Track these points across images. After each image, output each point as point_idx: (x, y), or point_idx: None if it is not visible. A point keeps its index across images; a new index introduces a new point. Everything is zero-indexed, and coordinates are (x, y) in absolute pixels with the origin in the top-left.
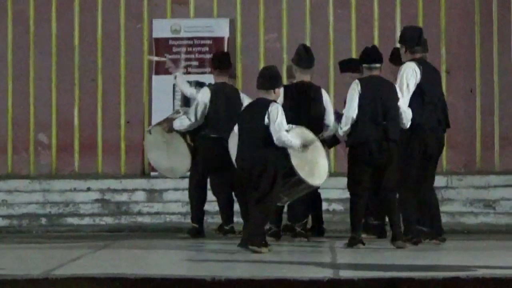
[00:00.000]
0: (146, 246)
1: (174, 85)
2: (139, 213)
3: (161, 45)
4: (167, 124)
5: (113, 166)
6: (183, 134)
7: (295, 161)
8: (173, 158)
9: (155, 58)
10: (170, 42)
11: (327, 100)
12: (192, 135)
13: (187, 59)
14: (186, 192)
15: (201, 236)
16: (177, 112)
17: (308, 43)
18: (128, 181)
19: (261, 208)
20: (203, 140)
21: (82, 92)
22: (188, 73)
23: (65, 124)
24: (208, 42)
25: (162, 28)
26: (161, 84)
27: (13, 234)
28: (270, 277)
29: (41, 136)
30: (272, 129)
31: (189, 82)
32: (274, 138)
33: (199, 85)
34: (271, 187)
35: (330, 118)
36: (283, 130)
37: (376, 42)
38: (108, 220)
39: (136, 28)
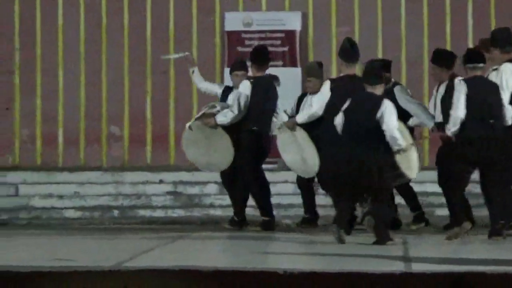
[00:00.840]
0: (217, 238)
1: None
2: (211, 206)
3: (233, 38)
4: (209, 119)
5: (185, 159)
6: (225, 128)
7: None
8: (213, 153)
9: (173, 56)
10: (243, 35)
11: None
12: (234, 129)
13: None
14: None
15: (272, 229)
16: (213, 106)
17: (380, 37)
18: (200, 173)
19: (379, 206)
20: (247, 134)
21: (154, 84)
22: None
23: (137, 117)
24: (280, 35)
25: (234, 21)
26: None
27: (85, 226)
28: (342, 270)
29: (113, 128)
30: (385, 125)
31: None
32: (388, 134)
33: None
34: (383, 183)
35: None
36: (395, 127)
37: (448, 38)
38: (180, 212)
39: (208, 21)
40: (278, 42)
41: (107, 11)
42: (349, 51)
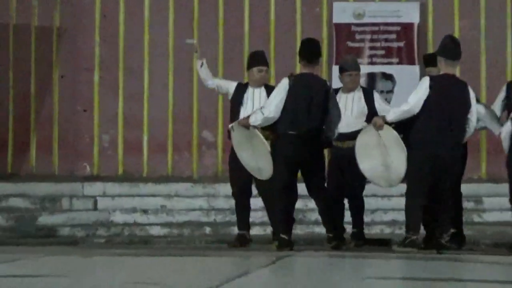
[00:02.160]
0: (327, 263)
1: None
2: (317, 223)
3: (342, 32)
4: (244, 119)
5: None
6: (263, 130)
7: None
8: (258, 157)
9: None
10: (353, 28)
11: (473, 98)
12: (272, 131)
13: (371, 48)
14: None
15: (290, 247)
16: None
17: (509, 30)
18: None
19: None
20: (282, 138)
21: None
22: (373, 63)
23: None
24: (396, 28)
25: (344, 12)
26: None
27: (172, 245)
28: None
29: (205, 134)
30: (472, 110)
31: (374, 74)
32: (474, 124)
33: (386, 77)
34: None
35: (473, 118)
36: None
37: None
38: None
39: (313, 12)
40: (393, 36)
41: (199, 5)
42: (451, 48)
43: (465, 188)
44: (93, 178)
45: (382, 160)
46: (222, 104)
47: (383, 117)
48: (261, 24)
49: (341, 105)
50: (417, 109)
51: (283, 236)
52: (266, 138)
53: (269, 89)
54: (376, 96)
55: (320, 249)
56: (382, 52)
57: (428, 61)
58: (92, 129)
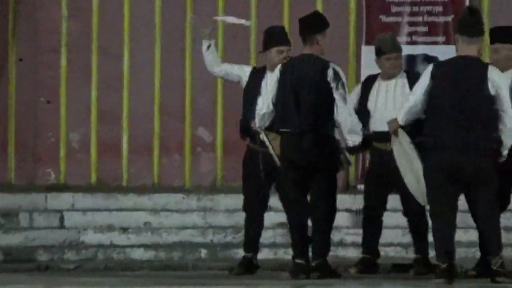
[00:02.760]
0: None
1: None
2: (341, 244)
3: (375, 4)
4: None
5: None
6: (267, 133)
7: None
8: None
9: (231, 20)
10: (388, 0)
11: (500, 83)
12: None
13: (411, 23)
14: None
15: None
16: None
17: None
18: None
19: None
20: (281, 138)
21: None
22: (413, 43)
23: (235, 116)
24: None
25: None
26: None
27: (159, 271)
28: None
29: (201, 132)
30: (502, 100)
31: (414, 57)
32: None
33: (429, 61)
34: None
35: (506, 109)
36: None
37: None
38: None
39: None
40: (439, 9)
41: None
42: (468, 22)
43: None
44: (59, 188)
45: (410, 170)
46: (222, 94)
47: (396, 121)
48: None
49: (380, 96)
50: (420, 105)
51: (297, 261)
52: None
53: None
54: None
55: (345, 277)
56: (425, 28)
57: (497, 34)
58: (58, 126)
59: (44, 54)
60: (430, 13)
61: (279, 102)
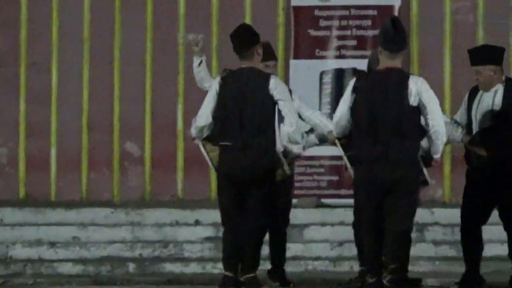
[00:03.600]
0: None
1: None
2: (269, 258)
3: (303, 17)
4: None
5: None
6: (204, 143)
7: None
8: None
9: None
10: (316, 12)
11: (422, 91)
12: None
13: (339, 37)
14: (338, 228)
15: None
16: None
17: None
18: None
19: None
20: (219, 150)
21: (188, 83)
22: (341, 57)
23: (164, 130)
24: (371, 12)
25: None
26: (301, 71)
27: (87, 286)
28: None
29: (129, 146)
30: (430, 114)
31: (342, 71)
32: (433, 130)
33: (357, 73)
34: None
35: (433, 121)
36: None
37: None
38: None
39: None
40: (368, 22)
41: None
42: (389, 36)
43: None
44: None
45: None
46: (150, 109)
47: (331, 133)
48: (201, 4)
49: None
50: (344, 119)
51: (227, 274)
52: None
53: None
54: None
55: None
56: (354, 42)
57: (476, 57)
58: None
59: None
60: (359, 27)
61: (220, 115)
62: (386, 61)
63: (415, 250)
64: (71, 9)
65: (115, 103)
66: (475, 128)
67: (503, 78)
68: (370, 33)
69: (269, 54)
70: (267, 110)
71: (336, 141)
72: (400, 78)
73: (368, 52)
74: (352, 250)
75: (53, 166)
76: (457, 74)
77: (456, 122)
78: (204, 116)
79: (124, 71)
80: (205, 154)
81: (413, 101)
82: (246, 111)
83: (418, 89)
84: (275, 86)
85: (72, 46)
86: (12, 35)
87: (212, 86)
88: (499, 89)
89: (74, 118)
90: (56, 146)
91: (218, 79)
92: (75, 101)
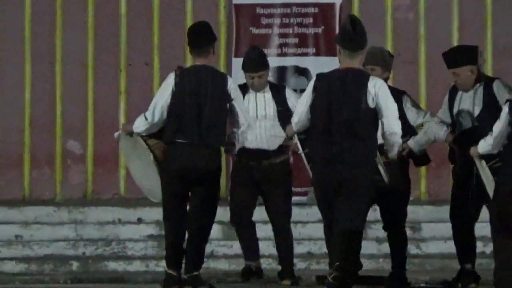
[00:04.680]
0: None
1: None
2: (212, 256)
3: (245, 15)
4: (130, 124)
5: None
6: (146, 139)
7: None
8: (147, 174)
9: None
10: (258, 10)
11: (380, 92)
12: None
13: (281, 35)
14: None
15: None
16: None
17: (455, 13)
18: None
19: None
20: (169, 148)
21: (130, 81)
22: (283, 54)
23: (106, 127)
24: (312, 10)
25: None
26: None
27: (31, 284)
28: None
29: (71, 145)
30: (386, 118)
31: (285, 68)
32: (389, 132)
33: (299, 72)
34: None
35: (389, 122)
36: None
37: None
38: None
39: None
40: (309, 20)
41: None
42: (349, 35)
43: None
44: None
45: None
46: (92, 107)
47: (290, 127)
48: (142, 3)
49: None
50: (304, 117)
51: (170, 272)
52: (153, 148)
53: (275, 89)
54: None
55: None
56: (295, 40)
57: (451, 60)
58: None
59: None
60: (300, 25)
61: (176, 111)
62: (345, 61)
63: None
64: (12, 9)
65: (57, 102)
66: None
67: (482, 76)
68: (312, 30)
69: (255, 65)
70: (224, 109)
71: (295, 136)
72: (360, 79)
73: (309, 50)
74: (295, 247)
75: None
76: (397, 71)
77: (442, 121)
78: (159, 112)
79: (66, 70)
80: (149, 150)
81: (371, 102)
82: (204, 108)
83: (376, 91)
84: (233, 86)
85: (13, 46)
86: None
87: (167, 82)
88: (479, 89)
89: (16, 116)
90: None
91: (172, 75)
92: (16, 99)
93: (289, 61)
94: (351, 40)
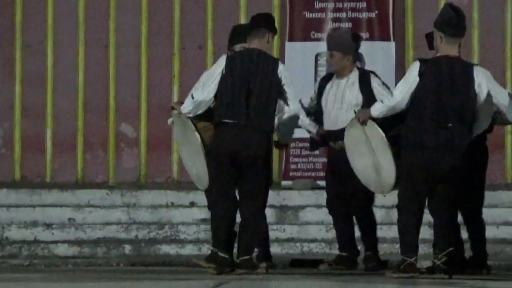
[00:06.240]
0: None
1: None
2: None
3: (299, 1)
4: (179, 103)
5: None
6: (196, 122)
7: None
8: (194, 159)
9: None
10: None
11: (483, 83)
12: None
13: (334, 20)
14: None
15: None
16: None
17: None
18: None
19: None
20: (217, 129)
21: (183, 65)
22: None
23: (159, 111)
24: None
25: None
26: (296, 53)
27: (83, 267)
28: None
29: (124, 128)
30: (488, 105)
31: None
32: (486, 118)
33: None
34: None
35: (484, 110)
36: None
37: None
38: None
39: None
40: (363, 4)
41: None
42: (452, 21)
43: None
44: None
45: (372, 161)
46: (146, 90)
47: (368, 112)
48: None
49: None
50: (403, 105)
51: (222, 254)
52: (203, 131)
53: None
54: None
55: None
56: (349, 24)
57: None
58: None
59: None
60: (353, 9)
61: (224, 92)
62: (447, 48)
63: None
64: None
65: (110, 85)
66: None
67: None
68: (365, 15)
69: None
70: (273, 92)
71: (371, 122)
72: (466, 67)
73: (362, 34)
74: None
75: (48, 147)
76: None
77: None
78: (206, 91)
79: (119, 54)
80: (196, 132)
81: (477, 90)
82: (253, 91)
83: (480, 80)
84: (283, 71)
85: (67, 29)
86: (7, 17)
87: (218, 63)
88: None
89: (70, 100)
90: (51, 128)
91: (224, 57)
92: (70, 83)
93: None
94: (454, 27)
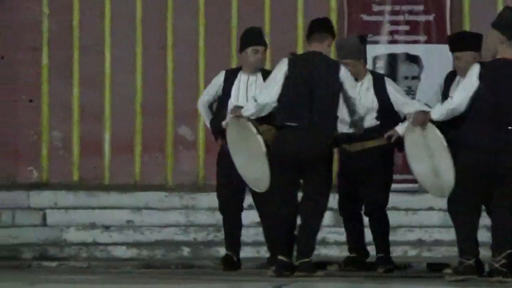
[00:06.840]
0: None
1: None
2: (323, 242)
3: (356, 2)
4: (239, 108)
5: None
6: (257, 124)
7: None
8: (254, 163)
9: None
10: None
11: None
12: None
13: (392, 22)
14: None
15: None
16: None
17: None
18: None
19: None
20: (279, 133)
21: None
22: (394, 42)
23: None
24: None
25: None
26: None
27: (141, 269)
28: None
29: (183, 130)
30: None
31: (395, 56)
32: None
33: (410, 60)
34: None
35: None
36: None
37: None
38: None
39: None
40: (420, 7)
41: None
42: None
43: None
44: (41, 186)
45: (431, 164)
46: None
47: (428, 114)
48: None
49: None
50: (463, 108)
51: (281, 258)
52: (264, 134)
53: (266, 75)
54: (390, 84)
55: (330, 274)
56: (406, 27)
57: (456, 43)
58: (39, 123)
59: (25, 52)
60: (411, 12)
61: (287, 95)
62: (507, 50)
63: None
64: None
65: (168, 87)
66: None
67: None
68: (423, 18)
69: (260, 39)
70: (335, 95)
71: (430, 124)
72: None
73: (419, 37)
74: (407, 235)
75: (106, 149)
76: None
77: None
78: (269, 94)
79: (177, 55)
80: (257, 135)
81: None
82: (316, 93)
83: None
84: (346, 75)
85: (124, 30)
86: (65, 19)
87: (280, 67)
88: None
89: (127, 102)
90: (109, 130)
91: (286, 61)
92: (128, 85)
93: (400, 49)
94: None
